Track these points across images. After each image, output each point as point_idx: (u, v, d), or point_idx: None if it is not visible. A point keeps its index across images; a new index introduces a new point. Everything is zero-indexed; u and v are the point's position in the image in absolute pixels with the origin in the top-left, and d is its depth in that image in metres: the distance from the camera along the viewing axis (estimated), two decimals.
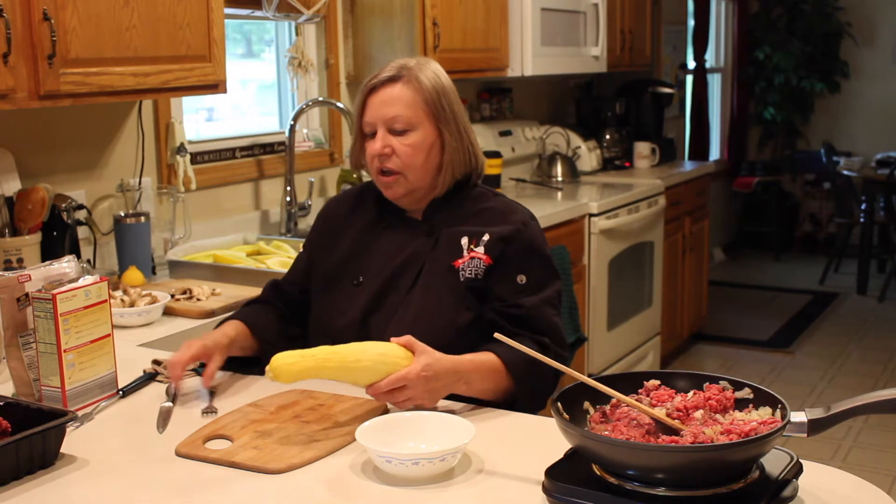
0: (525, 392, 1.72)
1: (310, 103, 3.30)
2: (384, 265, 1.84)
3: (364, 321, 1.82)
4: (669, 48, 6.17)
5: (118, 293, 2.33)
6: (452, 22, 3.60)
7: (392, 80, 1.80)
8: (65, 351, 1.62)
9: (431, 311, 1.78)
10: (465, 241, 1.82)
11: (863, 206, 6.54)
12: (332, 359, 1.57)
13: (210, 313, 2.31)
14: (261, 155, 3.33)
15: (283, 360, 1.55)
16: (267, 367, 1.55)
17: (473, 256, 1.80)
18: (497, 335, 1.50)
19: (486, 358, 1.69)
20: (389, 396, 1.58)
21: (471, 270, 1.79)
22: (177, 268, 2.73)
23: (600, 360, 4.09)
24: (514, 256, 1.80)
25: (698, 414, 1.30)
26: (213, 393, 1.76)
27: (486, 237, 1.81)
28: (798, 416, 1.29)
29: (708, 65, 6.80)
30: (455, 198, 1.87)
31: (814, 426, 1.28)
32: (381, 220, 1.90)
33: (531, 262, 1.82)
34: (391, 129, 1.80)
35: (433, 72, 1.83)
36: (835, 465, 2.50)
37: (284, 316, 1.95)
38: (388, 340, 1.72)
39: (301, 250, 2.02)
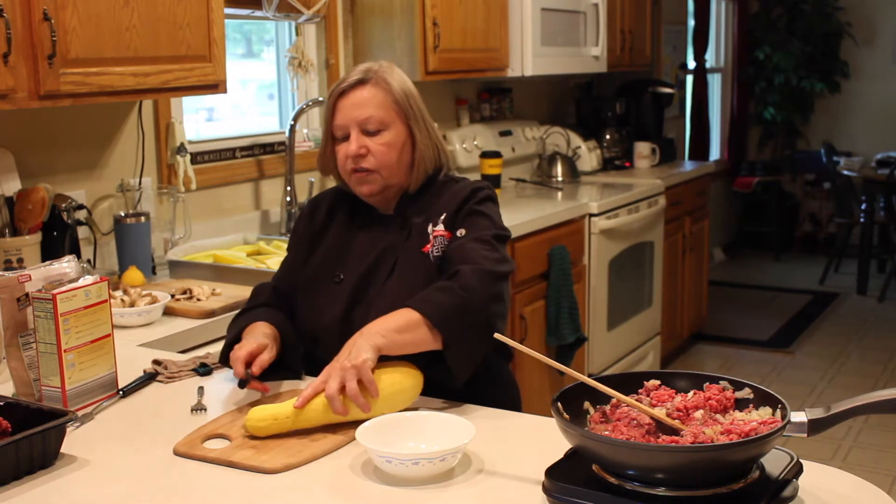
0: (454, 338, 1.65)
1: (310, 103, 3.30)
2: (361, 261, 1.87)
3: (347, 316, 1.83)
4: (669, 48, 6.17)
5: (118, 293, 2.33)
6: (452, 22, 3.60)
7: (361, 83, 1.84)
8: (65, 351, 1.62)
9: (405, 296, 1.78)
10: (430, 226, 1.85)
11: (863, 206, 6.54)
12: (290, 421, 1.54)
13: (210, 313, 2.31)
14: (261, 155, 3.33)
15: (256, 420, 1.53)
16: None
17: (437, 235, 1.84)
18: (497, 335, 1.50)
19: (399, 311, 1.66)
20: (330, 398, 1.53)
21: (437, 249, 1.83)
22: (177, 268, 2.73)
23: (600, 360, 4.09)
24: (460, 218, 1.84)
25: (698, 414, 1.30)
26: (202, 390, 1.76)
27: (444, 215, 1.85)
28: (798, 416, 1.29)
29: (708, 65, 6.80)
30: (423, 191, 1.91)
31: (814, 426, 1.28)
32: (357, 219, 1.93)
33: (473, 218, 1.83)
34: (364, 131, 1.83)
35: (399, 74, 1.88)
36: (835, 465, 2.50)
37: (287, 317, 1.94)
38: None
39: (287, 251, 2.02)
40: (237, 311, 1.98)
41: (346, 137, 1.84)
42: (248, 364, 1.70)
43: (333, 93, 1.86)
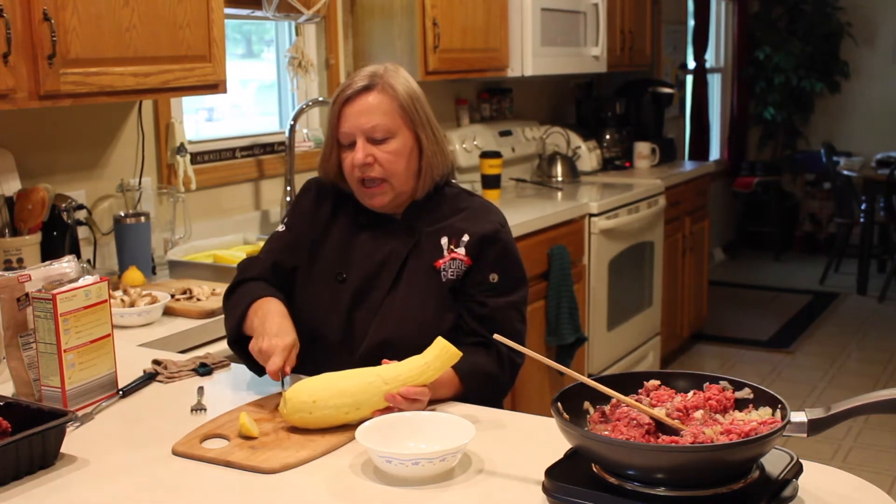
0: (474, 399, 1.74)
1: (310, 103, 3.30)
2: (365, 261, 1.85)
3: (349, 318, 1.83)
4: (669, 48, 6.17)
5: (118, 293, 2.33)
6: (452, 22, 3.60)
7: (366, 89, 1.81)
8: (65, 351, 1.62)
9: (415, 312, 1.80)
10: (444, 241, 1.84)
11: (863, 206, 6.54)
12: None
13: (210, 313, 2.31)
14: (261, 155, 3.33)
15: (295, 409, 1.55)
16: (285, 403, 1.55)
17: (454, 257, 1.83)
18: (496, 336, 1.51)
19: (453, 380, 1.73)
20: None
21: (452, 272, 1.82)
22: (177, 268, 2.73)
23: (600, 360, 4.09)
24: (490, 256, 1.84)
25: (698, 414, 1.30)
26: (202, 390, 1.76)
27: (465, 238, 1.83)
28: (798, 416, 1.29)
29: (708, 65, 6.80)
30: (433, 199, 1.89)
31: (814, 426, 1.28)
32: (361, 217, 1.90)
33: (506, 263, 1.85)
34: (371, 139, 1.81)
35: (405, 77, 1.85)
36: (835, 465, 2.50)
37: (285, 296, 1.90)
38: (372, 337, 1.78)
39: (286, 227, 1.94)
40: (228, 286, 1.91)
41: (352, 145, 1.82)
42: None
43: (339, 99, 1.83)
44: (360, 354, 1.80)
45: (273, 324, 1.71)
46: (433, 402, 1.67)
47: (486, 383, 1.77)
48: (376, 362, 1.68)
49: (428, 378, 1.60)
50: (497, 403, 1.86)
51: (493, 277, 1.83)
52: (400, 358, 1.65)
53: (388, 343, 1.78)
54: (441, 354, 1.61)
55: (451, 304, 1.83)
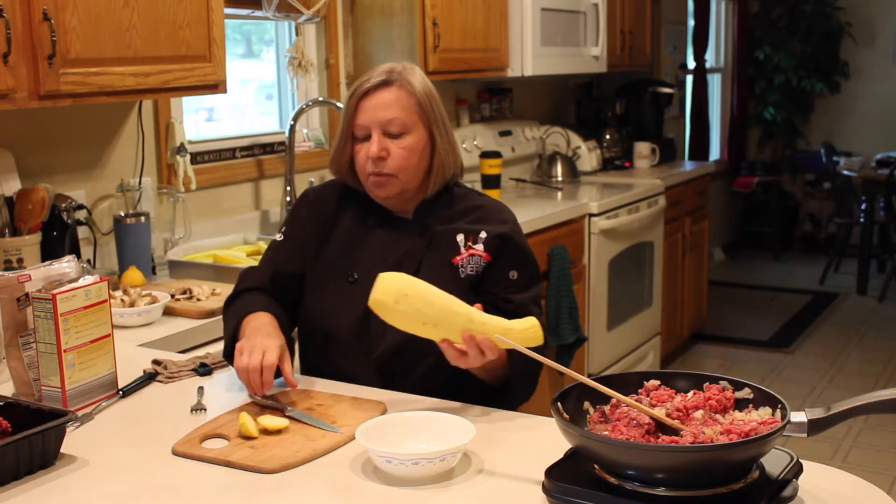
0: (519, 375, 1.74)
1: (310, 103, 3.30)
2: (379, 262, 1.83)
3: (365, 318, 1.81)
4: (669, 48, 6.17)
5: (118, 293, 2.33)
6: (452, 22, 3.60)
7: (385, 83, 1.82)
8: (65, 351, 1.62)
9: None
10: (460, 238, 1.85)
11: (863, 206, 6.54)
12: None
13: (210, 313, 2.31)
14: (261, 155, 3.33)
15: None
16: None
17: (473, 253, 1.84)
18: (496, 336, 1.51)
19: (506, 352, 1.71)
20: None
21: (472, 267, 1.83)
22: (177, 268, 2.73)
23: (600, 360, 4.09)
24: (509, 253, 1.86)
25: (698, 414, 1.30)
26: (202, 390, 1.76)
27: (483, 234, 1.85)
28: (798, 416, 1.29)
29: (708, 65, 6.80)
30: (442, 198, 1.90)
31: (814, 426, 1.28)
32: (369, 217, 1.91)
33: (522, 259, 1.88)
34: (386, 132, 1.82)
35: (421, 76, 1.87)
36: (835, 465, 2.50)
37: (282, 307, 1.91)
38: (392, 338, 1.76)
39: (284, 236, 1.95)
40: (227, 297, 1.93)
41: (367, 137, 1.82)
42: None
43: (356, 92, 1.84)
44: (382, 352, 1.80)
45: (258, 340, 1.69)
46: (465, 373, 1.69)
47: (525, 377, 1.76)
48: (396, 359, 1.70)
49: (503, 342, 1.55)
50: (510, 407, 1.85)
51: (513, 274, 1.85)
52: (420, 353, 1.67)
53: (410, 337, 1.76)
54: (527, 329, 1.59)
55: (472, 299, 1.80)
